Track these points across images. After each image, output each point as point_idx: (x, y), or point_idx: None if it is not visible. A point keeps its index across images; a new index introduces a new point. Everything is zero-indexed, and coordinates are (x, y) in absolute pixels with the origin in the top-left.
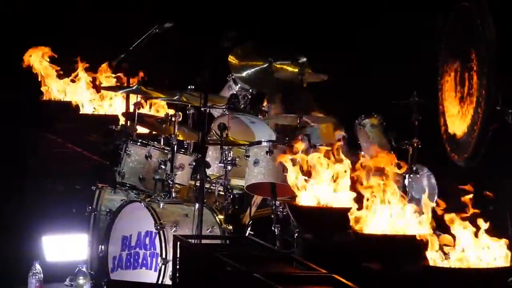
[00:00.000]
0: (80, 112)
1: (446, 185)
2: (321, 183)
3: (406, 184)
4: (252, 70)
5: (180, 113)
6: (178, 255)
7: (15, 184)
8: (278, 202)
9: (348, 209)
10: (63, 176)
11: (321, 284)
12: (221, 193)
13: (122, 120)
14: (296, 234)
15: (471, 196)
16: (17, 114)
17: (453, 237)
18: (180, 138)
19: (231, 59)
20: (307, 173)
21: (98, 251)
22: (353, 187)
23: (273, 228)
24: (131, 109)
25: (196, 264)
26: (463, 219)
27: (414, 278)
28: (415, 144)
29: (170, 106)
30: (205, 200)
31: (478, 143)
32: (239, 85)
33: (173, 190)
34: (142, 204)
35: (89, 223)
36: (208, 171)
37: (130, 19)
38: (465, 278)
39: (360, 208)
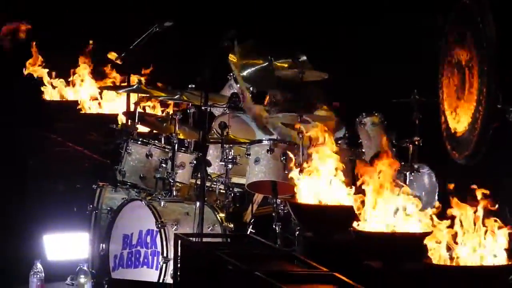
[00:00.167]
0: (81, 112)
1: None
2: (321, 181)
3: (407, 182)
4: (253, 68)
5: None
6: (179, 254)
7: (16, 183)
8: (279, 200)
9: (349, 208)
10: (64, 175)
11: (322, 282)
12: (222, 191)
13: (122, 119)
14: (297, 232)
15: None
16: (17, 114)
17: (455, 234)
18: (181, 136)
19: (232, 57)
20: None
21: (99, 249)
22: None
23: (274, 226)
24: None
25: (197, 262)
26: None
27: (415, 276)
28: (416, 142)
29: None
30: (206, 199)
31: (479, 142)
32: (238, 85)
33: (174, 188)
34: (143, 202)
35: (90, 222)
36: (209, 170)
37: (130, 19)
38: (466, 276)
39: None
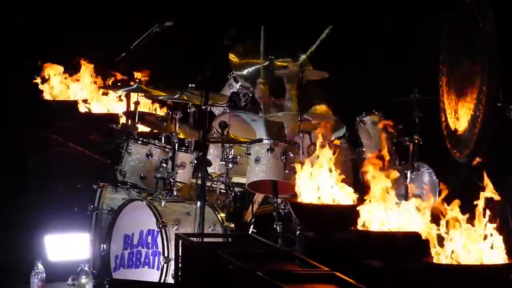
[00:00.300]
0: (81, 111)
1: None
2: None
3: (408, 181)
4: (253, 68)
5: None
6: (180, 254)
7: (17, 184)
8: (280, 200)
9: (350, 207)
10: (64, 175)
11: (323, 281)
12: (222, 191)
13: (123, 119)
14: (298, 232)
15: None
16: (18, 113)
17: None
18: (181, 136)
19: (232, 57)
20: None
21: (100, 250)
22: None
23: (274, 225)
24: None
25: (198, 262)
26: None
27: (416, 275)
28: (416, 141)
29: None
30: (206, 198)
31: (479, 140)
32: (239, 83)
33: (174, 188)
34: (143, 202)
35: (91, 222)
36: (210, 169)
37: (130, 18)
38: (467, 275)
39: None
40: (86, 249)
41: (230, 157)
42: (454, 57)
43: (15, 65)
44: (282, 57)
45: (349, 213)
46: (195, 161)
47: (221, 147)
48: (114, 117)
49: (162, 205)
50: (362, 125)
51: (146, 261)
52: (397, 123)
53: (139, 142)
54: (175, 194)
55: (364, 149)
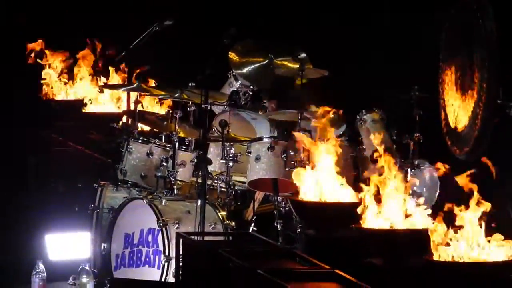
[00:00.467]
0: (82, 111)
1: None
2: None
3: (408, 179)
4: (253, 66)
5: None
6: (181, 252)
7: (17, 183)
8: (280, 198)
9: (350, 205)
10: (65, 174)
11: (324, 279)
12: (223, 189)
13: (123, 118)
14: (299, 230)
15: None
16: (18, 113)
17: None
18: (182, 135)
19: (232, 55)
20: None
21: (101, 249)
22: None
23: (275, 223)
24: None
25: (199, 261)
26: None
27: (417, 273)
28: (417, 139)
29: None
30: (207, 197)
31: (479, 137)
32: (239, 81)
33: (175, 187)
34: (144, 201)
35: (91, 221)
36: (210, 168)
37: (130, 18)
38: (468, 272)
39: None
40: (87, 248)
41: (230, 155)
42: (454, 54)
43: (15, 65)
44: (282, 56)
45: (350, 211)
46: (196, 160)
47: (222, 146)
48: (114, 116)
49: (163, 203)
50: (362, 123)
51: (147, 260)
52: (397, 121)
53: (140, 141)
54: (175, 192)
55: (364, 147)
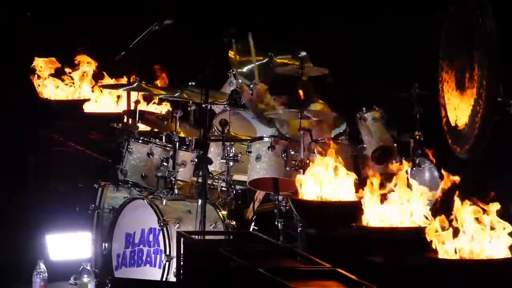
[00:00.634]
0: (82, 111)
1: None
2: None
3: (409, 177)
4: (253, 65)
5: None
6: (182, 252)
7: (18, 183)
8: (281, 197)
9: (351, 203)
10: (65, 175)
11: (325, 278)
12: (223, 189)
13: (124, 118)
14: (299, 229)
15: None
16: (18, 113)
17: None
18: (182, 135)
19: (231, 54)
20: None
21: (102, 249)
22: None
23: (276, 223)
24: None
25: (200, 260)
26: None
27: (419, 271)
28: (417, 137)
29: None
30: (208, 196)
31: (480, 135)
32: (240, 80)
33: (175, 187)
34: (145, 201)
35: (92, 221)
36: (210, 168)
37: (130, 18)
38: (470, 269)
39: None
40: (88, 248)
41: (231, 155)
42: (454, 52)
43: (15, 65)
44: (282, 54)
45: (351, 210)
46: (196, 160)
47: (222, 145)
48: (114, 116)
49: (164, 203)
50: (363, 121)
51: (148, 260)
52: (398, 119)
53: (140, 141)
54: (176, 192)
55: (365, 146)
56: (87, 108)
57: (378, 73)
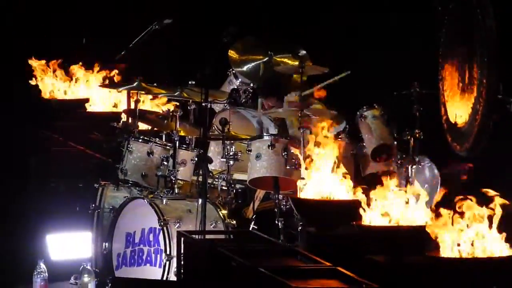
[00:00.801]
0: (82, 110)
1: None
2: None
3: (410, 175)
4: (253, 64)
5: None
6: (182, 251)
7: (18, 183)
8: (281, 196)
9: (351, 202)
10: (65, 174)
11: (326, 276)
12: (224, 188)
13: (123, 117)
14: (300, 227)
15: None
16: (18, 113)
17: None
18: (182, 134)
19: (231, 53)
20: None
21: (102, 248)
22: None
23: (276, 221)
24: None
25: (200, 259)
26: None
27: (419, 269)
28: (417, 135)
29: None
30: (208, 195)
31: (480, 133)
32: (239, 79)
33: (175, 186)
34: (145, 200)
35: (92, 221)
36: (211, 166)
37: (130, 17)
38: (469, 268)
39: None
40: (88, 248)
41: (231, 154)
42: (454, 50)
43: (15, 65)
44: (282, 53)
45: (351, 208)
46: (196, 159)
47: (222, 144)
48: (114, 116)
49: (164, 203)
50: (363, 120)
51: (148, 259)
52: (398, 117)
53: (140, 140)
54: (176, 191)
55: (364, 144)
56: (88, 107)
57: (378, 70)
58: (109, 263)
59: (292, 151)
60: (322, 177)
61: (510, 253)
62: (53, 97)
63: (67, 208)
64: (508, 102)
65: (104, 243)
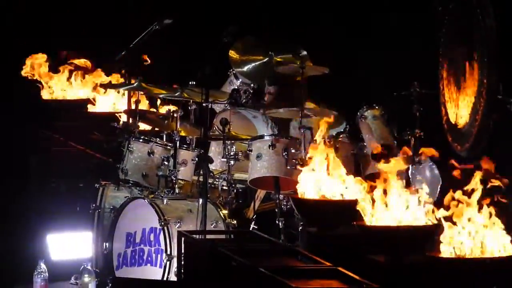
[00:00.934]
0: (82, 110)
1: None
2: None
3: (410, 175)
4: (253, 64)
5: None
6: (182, 251)
7: (19, 183)
8: (282, 196)
9: (352, 202)
10: (66, 174)
11: (326, 277)
12: (224, 188)
13: (124, 117)
14: (300, 227)
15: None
16: (19, 113)
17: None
18: (183, 134)
19: (232, 53)
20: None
21: (103, 248)
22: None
23: (277, 221)
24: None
25: (201, 259)
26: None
27: (420, 269)
28: (417, 135)
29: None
30: (208, 195)
31: (480, 133)
32: (240, 79)
33: (176, 186)
34: (145, 200)
35: (93, 221)
36: (211, 166)
37: (130, 17)
38: (469, 268)
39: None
40: (89, 248)
41: (231, 154)
42: (454, 50)
43: (15, 65)
44: (283, 53)
45: (351, 208)
46: (197, 159)
47: (223, 144)
48: (115, 116)
49: (164, 202)
50: (363, 120)
51: (148, 259)
52: (398, 117)
53: (141, 140)
54: (177, 191)
55: (365, 144)
56: (89, 107)
57: (378, 70)
58: (110, 263)
59: (293, 150)
60: (323, 177)
61: (510, 253)
62: (53, 97)
63: (68, 208)
64: (508, 102)
65: (104, 243)
